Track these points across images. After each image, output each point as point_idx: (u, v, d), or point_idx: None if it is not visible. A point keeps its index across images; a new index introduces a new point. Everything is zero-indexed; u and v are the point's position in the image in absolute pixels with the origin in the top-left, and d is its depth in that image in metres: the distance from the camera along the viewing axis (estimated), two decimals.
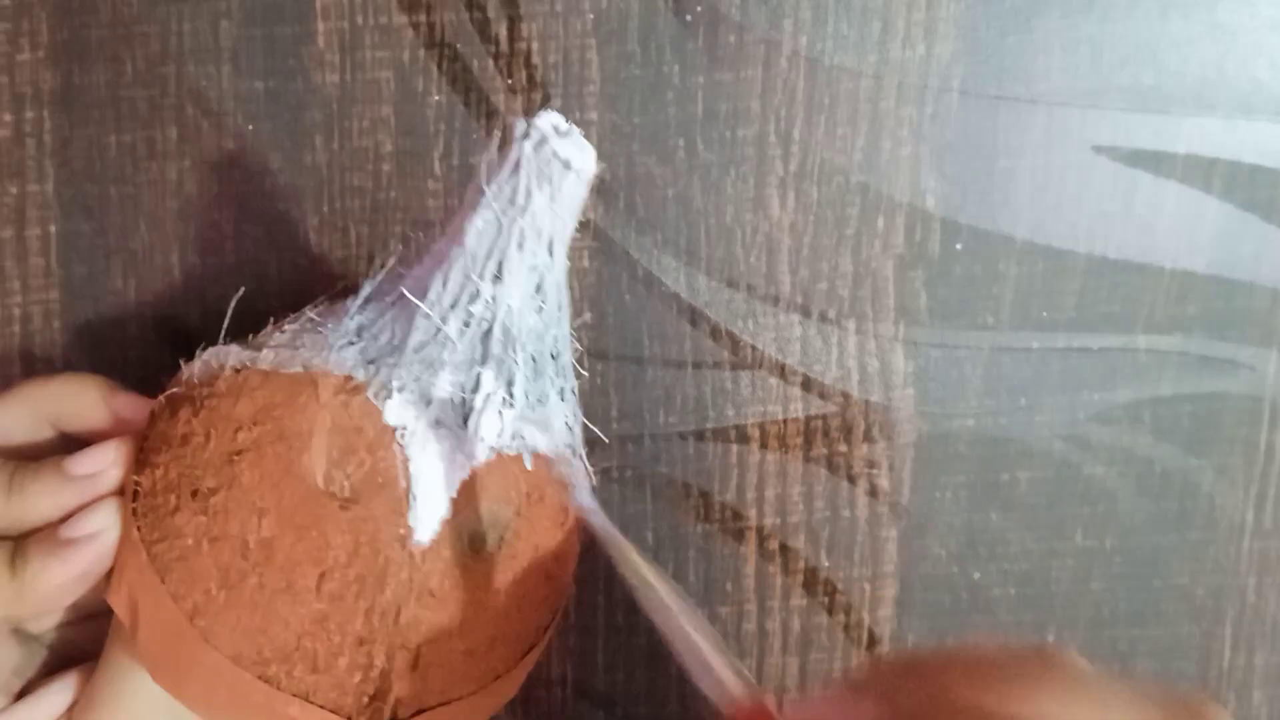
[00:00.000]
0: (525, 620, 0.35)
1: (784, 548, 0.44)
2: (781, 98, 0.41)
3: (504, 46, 0.41)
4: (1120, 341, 0.43)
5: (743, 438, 0.43)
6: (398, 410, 0.33)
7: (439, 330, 0.33)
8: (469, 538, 0.33)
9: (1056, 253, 0.42)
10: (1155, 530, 0.44)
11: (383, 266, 0.35)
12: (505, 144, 0.32)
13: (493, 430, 0.33)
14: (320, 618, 0.32)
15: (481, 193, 0.32)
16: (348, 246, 0.42)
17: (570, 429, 0.35)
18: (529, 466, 0.33)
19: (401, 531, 0.32)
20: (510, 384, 0.33)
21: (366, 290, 0.34)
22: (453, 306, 0.33)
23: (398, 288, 0.34)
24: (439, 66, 0.41)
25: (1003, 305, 0.43)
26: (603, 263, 0.42)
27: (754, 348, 0.43)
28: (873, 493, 0.43)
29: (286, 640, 0.32)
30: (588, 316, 0.42)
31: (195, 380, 0.34)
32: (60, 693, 0.36)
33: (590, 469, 0.35)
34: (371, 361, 0.33)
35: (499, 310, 0.33)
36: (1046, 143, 0.42)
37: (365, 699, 0.33)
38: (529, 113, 0.34)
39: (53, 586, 0.34)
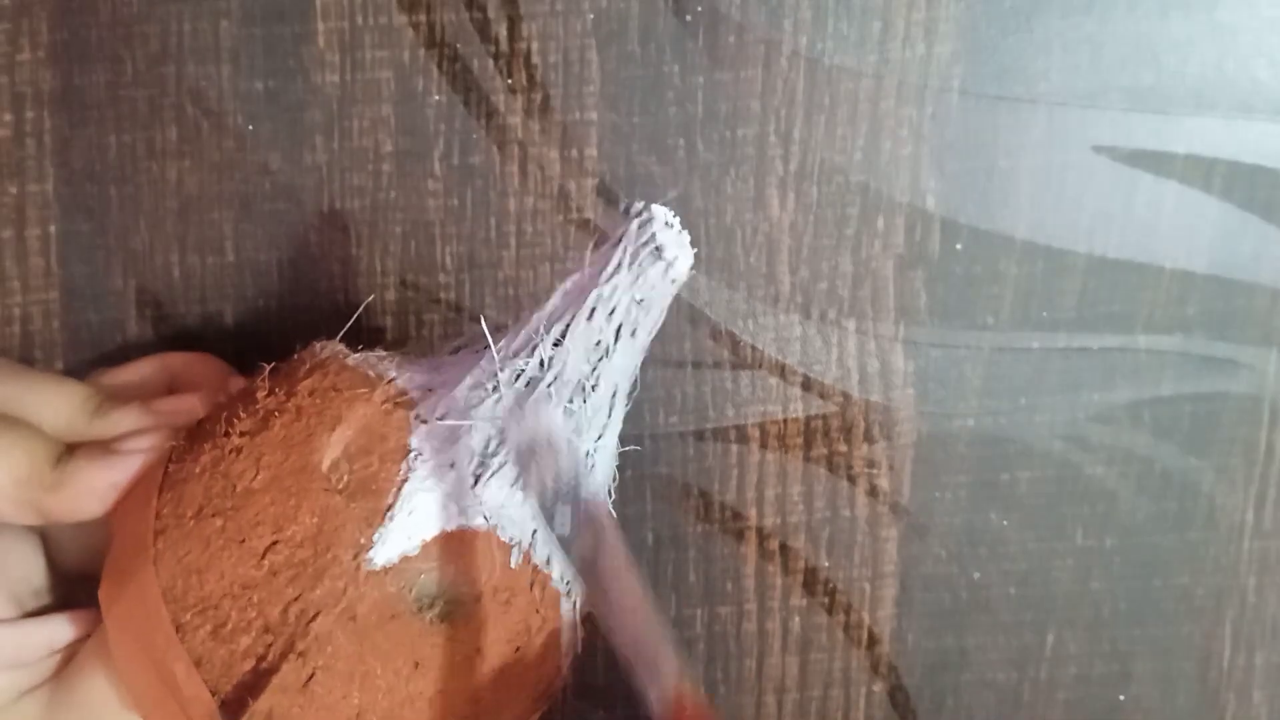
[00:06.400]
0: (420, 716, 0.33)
1: (784, 548, 0.44)
2: (781, 98, 0.41)
3: (504, 46, 0.41)
4: (1120, 341, 0.43)
5: (743, 438, 0.43)
6: (423, 436, 0.33)
7: (494, 377, 0.33)
8: (417, 591, 0.32)
9: (1056, 253, 0.42)
10: (1155, 530, 0.44)
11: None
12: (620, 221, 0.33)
13: (495, 499, 0.32)
14: (250, 584, 0.32)
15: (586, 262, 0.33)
16: (348, 246, 0.42)
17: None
18: (513, 564, 0.33)
19: (362, 541, 0.32)
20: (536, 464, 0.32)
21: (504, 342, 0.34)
22: (515, 357, 0.33)
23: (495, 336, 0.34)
24: (439, 66, 0.41)
25: (1003, 305, 0.43)
26: None
27: (754, 348, 0.43)
28: (873, 493, 0.43)
29: (212, 593, 0.32)
30: None
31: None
32: (64, 626, 0.36)
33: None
34: (432, 390, 0.34)
35: (547, 377, 0.32)
36: (1046, 143, 0.42)
37: (242, 694, 0.32)
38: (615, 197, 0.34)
39: (87, 486, 0.35)
